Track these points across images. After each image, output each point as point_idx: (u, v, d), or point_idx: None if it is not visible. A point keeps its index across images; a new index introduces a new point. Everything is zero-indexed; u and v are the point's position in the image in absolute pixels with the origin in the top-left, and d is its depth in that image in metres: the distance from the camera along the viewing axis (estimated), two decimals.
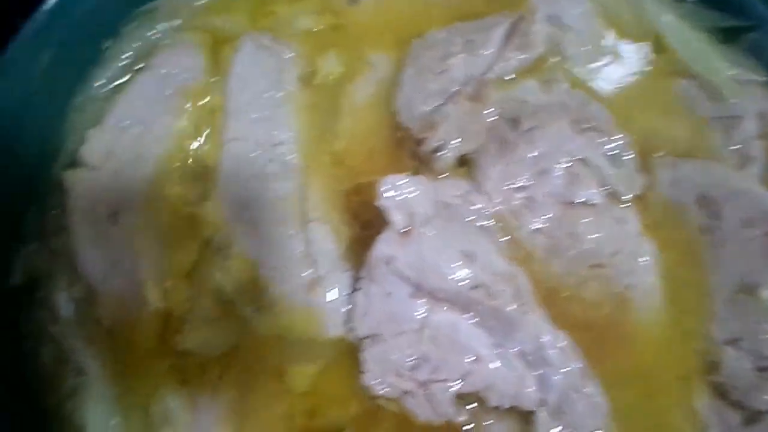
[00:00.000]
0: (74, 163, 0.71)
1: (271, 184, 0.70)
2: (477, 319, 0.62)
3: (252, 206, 0.69)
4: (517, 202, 0.69)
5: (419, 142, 0.71)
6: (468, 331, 0.62)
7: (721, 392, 0.64)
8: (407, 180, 0.65)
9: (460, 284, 0.62)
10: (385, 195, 0.65)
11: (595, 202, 0.68)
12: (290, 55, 0.78)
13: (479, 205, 0.68)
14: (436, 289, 0.63)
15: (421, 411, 0.61)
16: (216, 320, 0.66)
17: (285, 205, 0.70)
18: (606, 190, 0.69)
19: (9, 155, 0.69)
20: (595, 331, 0.65)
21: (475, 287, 0.62)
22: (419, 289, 0.63)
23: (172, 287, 0.67)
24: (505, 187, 0.69)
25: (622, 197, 0.69)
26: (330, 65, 0.78)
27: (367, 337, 0.62)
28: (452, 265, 0.63)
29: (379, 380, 0.62)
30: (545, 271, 0.67)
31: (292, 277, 0.66)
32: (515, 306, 0.62)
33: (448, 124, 0.71)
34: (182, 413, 0.63)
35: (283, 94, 0.76)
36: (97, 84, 0.77)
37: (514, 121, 0.71)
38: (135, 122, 0.73)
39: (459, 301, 0.62)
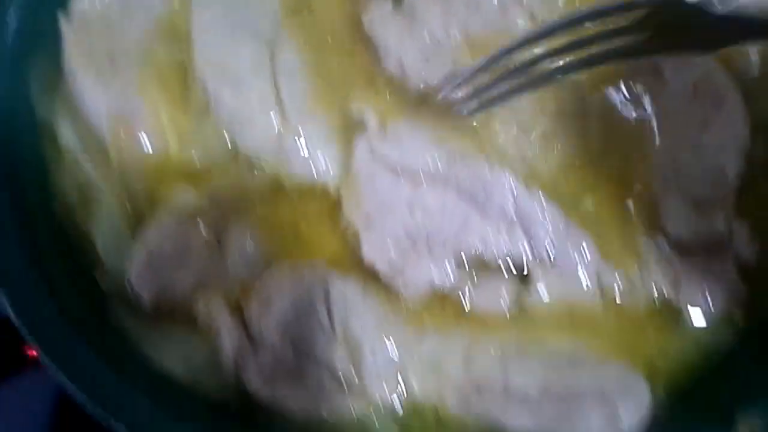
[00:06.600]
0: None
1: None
2: (459, 193, 0.67)
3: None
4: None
5: None
6: (454, 202, 0.67)
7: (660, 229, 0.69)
8: None
9: (438, 160, 0.68)
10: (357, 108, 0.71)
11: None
12: None
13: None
14: (417, 168, 0.68)
15: (426, 275, 0.65)
16: None
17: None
18: None
19: None
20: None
21: (452, 156, 0.68)
22: (402, 173, 0.68)
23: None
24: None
25: None
26: None
27: (363, 223, 0.67)
28: (428, 144, 0.69)
29: (379, 255, 0.66)
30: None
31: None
32: (488, 168, 0.68)
33: None
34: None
35: None
36: None
37: None
38: None
39: (440, 177, 0.68)
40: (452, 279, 0.66)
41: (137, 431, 0.57)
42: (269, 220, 0.71)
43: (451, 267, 0.66)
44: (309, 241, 0.70)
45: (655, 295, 0.68)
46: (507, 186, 0.67)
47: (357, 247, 0.67)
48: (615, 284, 0.67)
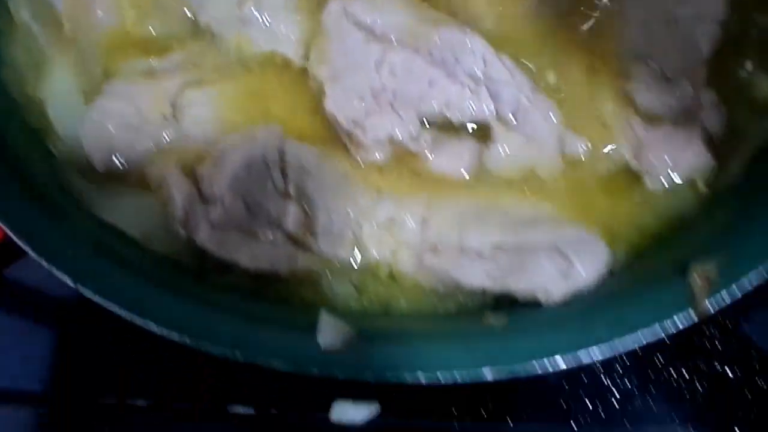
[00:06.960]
0: None
1: None
2: (429, 55, 0.66)
3: None
4: None
5: None
6: (422, 65, 0.66)
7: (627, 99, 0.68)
8: None
9: (410, 22, 0.67)
10: None
11: None
12: None
13: None
14: (388, 30, 0.67)
15: (387, 127, 0.65)
16: None
17: None
18: None
19: None
20: None
21: (424, 21, 0.67)
22: (373, 34, 0.67)
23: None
24: None
25: None
26: None
27: (329, 77, 0.66)
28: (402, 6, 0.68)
29: (341, 105, 0.65)
30: None
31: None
32: (461, 32, 0.66)
33: None
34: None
35: None
36: None
37: None
38: None
39: (410, 40, 0.66)
40: (413, 134, 0.65)
41: (89, 286, 0.57)
42: (228, 90, 0.69)
43: (413, 124, 0.66)
44: (268, 113, 0.69)
45: (618, 162, 0.67)
46: (478, 50, 0.66)
47: (320, 99, 0.66)
48: (577, 150, 0.67)
